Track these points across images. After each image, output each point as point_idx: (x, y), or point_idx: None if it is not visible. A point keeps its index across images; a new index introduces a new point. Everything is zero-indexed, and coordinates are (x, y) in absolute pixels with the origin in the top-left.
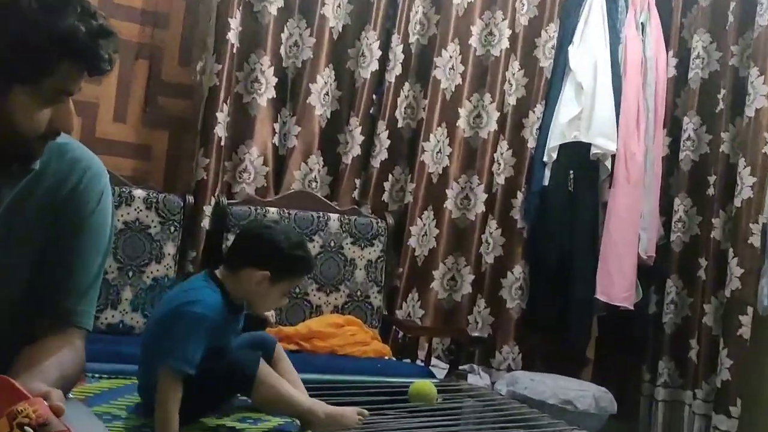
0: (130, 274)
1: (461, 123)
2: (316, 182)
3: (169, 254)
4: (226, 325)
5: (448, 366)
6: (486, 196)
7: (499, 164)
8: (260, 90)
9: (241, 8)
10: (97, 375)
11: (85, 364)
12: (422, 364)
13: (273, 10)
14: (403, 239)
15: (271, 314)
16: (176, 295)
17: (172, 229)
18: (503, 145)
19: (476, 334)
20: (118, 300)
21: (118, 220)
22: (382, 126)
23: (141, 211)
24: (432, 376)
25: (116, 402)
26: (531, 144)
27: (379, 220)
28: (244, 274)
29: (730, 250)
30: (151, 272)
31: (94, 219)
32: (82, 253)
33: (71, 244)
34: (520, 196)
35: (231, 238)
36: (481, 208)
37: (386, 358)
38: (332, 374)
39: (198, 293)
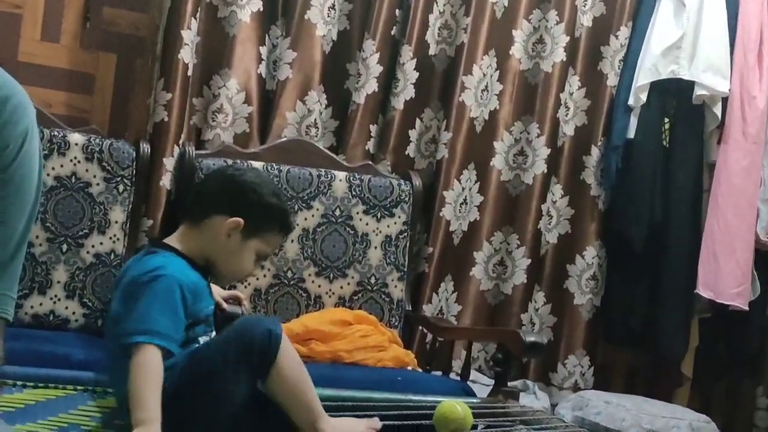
0: (64, 248)
1: (516, 51)
2: (317, 128)
3: (116, 222)
4: (202, 289)
5: (492, 381)
6: (548, 151)
7: (567, 108)
8: (242, 0)
9: None
10: (19, 383)
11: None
12: (458, 378)
13: None
14: (434, 208)
15: (245, 306)
16: (129, 273)
17: (121, 188)
18: (573, 82)
19: (532, 339)
20: (48, 283)
21: (48, 174)
22: (407, 52)
23: (79, 163)
24: (470, 394)
25: (46, 421)
26: (611, 81)
27: (401, 181)
28: (211, 224)
29: None
30: (92, 246)
31: (14, 169)
32: None
33: None
34: (595, 152)
35: None
36: (541, 167)
37: (409, 368)
38: (335, 389)
39: (153, 260)
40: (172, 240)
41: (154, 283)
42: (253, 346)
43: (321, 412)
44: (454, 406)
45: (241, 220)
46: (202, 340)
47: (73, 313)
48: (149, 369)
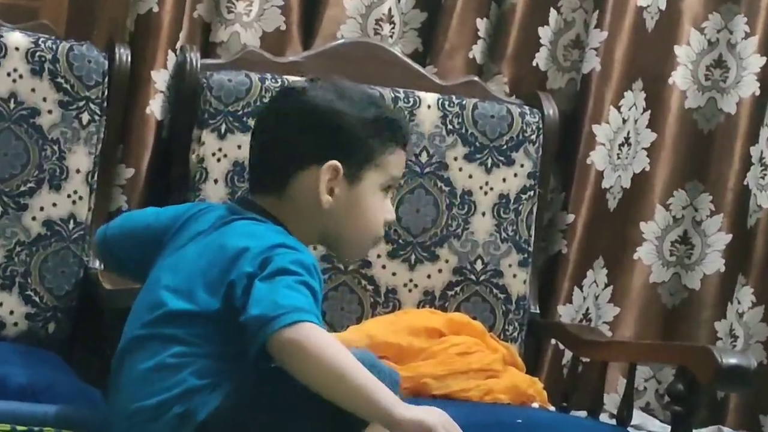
0: None
1: None
2: (392, 25)
3: (77, 172)
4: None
5: (668, 428)
6: (763, 61)
7: None
8: None
9: None
10: None
11: None
12: (613, 423)
13: None
14: (578, 152)
15: None
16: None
17: (85, 118)
18: None
19: (732, 361)
20: None
21: None
22: None
23: (21, 78)
24: None
25: None
26: None
27: (525, 108)
28: (300, 186)
29: None
30: (41, 209)
31: None
32: None
33: None
34: None
35: (208, 138)
36: (750, 86)
37: (535, 405)
38: None
39: (271, 233)
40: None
41: (294, 262)
42: (340, 413)
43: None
44: None
45: (336, 164)
46: None
47: (11, 312)
48: (333, 343)
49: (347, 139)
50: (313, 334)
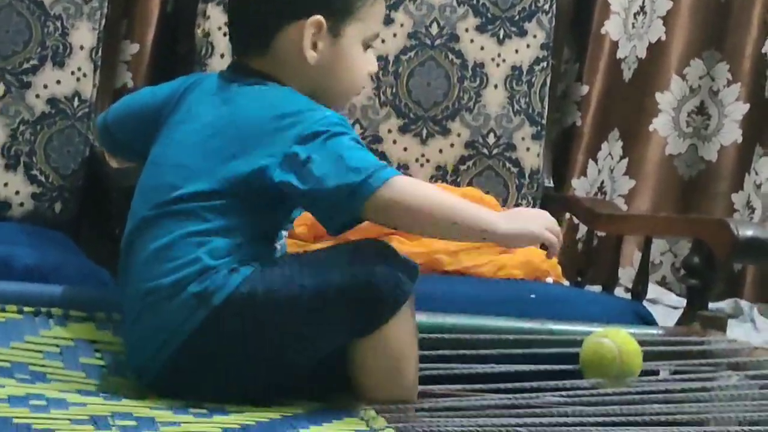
0: (0, 90)
1: None
2: None
3: (81, 48)
4: None
5: (684, 301)
6: None
7: None
8: None
9: None
10: None
11: None
12: (628, 296)
13: None
14: (592, 20)
15: None
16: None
17: None
18: None
19: (749, 233)
20: None
21: None
22: None
23: None
24: (648, 321)
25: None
26: None
27: None
28: (284, 43)
29: None
30: (45, 86)
31: None
32: None
33: None
34: None
35: (213, 12)
36: None
37: (549, 280)
38: (429, 313)
39: (288, 98)
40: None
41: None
42: (371, 298)
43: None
44: (606, 344)
45: (319, 17)
46: (280, 244)
47: (17, 192)
48: (427, 188)
49: None
50: (408, 187)
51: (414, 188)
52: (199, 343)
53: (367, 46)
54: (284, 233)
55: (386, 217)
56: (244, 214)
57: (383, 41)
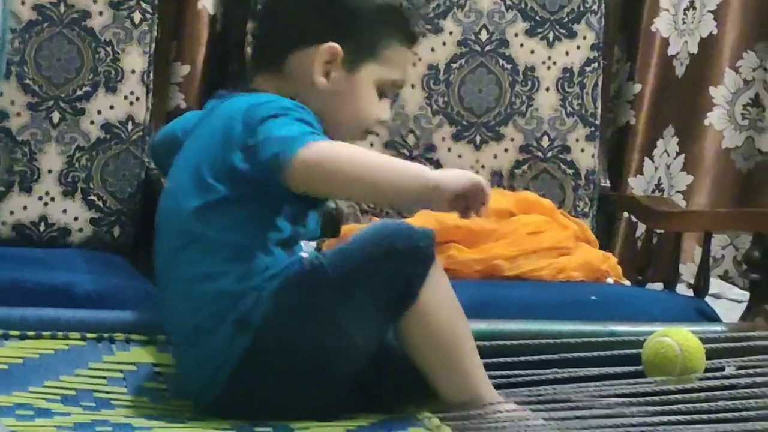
0: (55, 118)
1: None
2: None
3: (133, 72)
4: None
5: (747, 295)
6: None
7: None
8: None
9: None
10: None
11: None
12: (690, 294)
13: None
14: (642, 19)
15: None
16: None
17: (138, 17)
18: None
19: None
20: (34, 174)
21: (22, 2)
22: None
23: None
24: (711, 318)
25: (41, 388)
26: None
27: None
28: (296, 65)
29: None
30: (99, 112)
31: None
32: None
33: None
34: None
35: None
36: None
37: (609, 281)
38: (489, 320)
39: (258, 98)
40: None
41: (275, 104)
42: (395, 268)
43: (480, 380)
44: (667, 343)
45: (336, 46)
46: (303, 249)
47: (75, 218)
48: (348, 148)
49: (351, 22)
50: (326, 148)
51: (333, 149)
52: (248, 367)
53: (382, 93)
54: (304, 244)
55: (310, 181)
56: (254, 221)
57: (432, 50)
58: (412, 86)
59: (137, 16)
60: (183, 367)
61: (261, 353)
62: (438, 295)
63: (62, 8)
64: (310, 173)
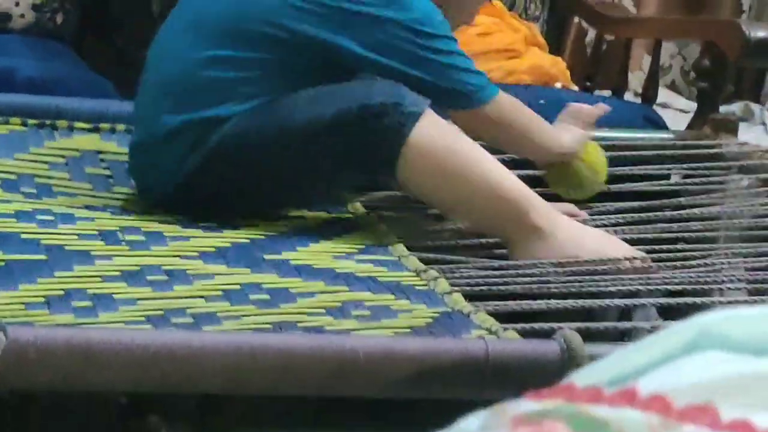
0: None
1: None
2: None
3: None
4: None
5: (694, 105)
6: None
7: None
8: None
9: None
10: None
11: None
12: (637, 101)
13: None
14: None
15: None
16: None
17: None
18: None
19: (761, 35)
20: None
21: None
22: None
23: None
24: (658, 125)
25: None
26: None
27: None
28: None
29: None
30: None
31: None
32: None
33: None
34: None
35: None
36: None
37: (558, 85)
38: None
39: None
40: None
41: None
42: (365, 132)
43: (529, 199)
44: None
45: None
46: None
47: (17, 4)
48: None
49: None
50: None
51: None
52: (201, 175)
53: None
54: None
55: (485, 131)
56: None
57: None
58: None
59: None
60: (138, 159)
61: (218, 162)
62: (430, 137)
63: None
64: (493, 125)
